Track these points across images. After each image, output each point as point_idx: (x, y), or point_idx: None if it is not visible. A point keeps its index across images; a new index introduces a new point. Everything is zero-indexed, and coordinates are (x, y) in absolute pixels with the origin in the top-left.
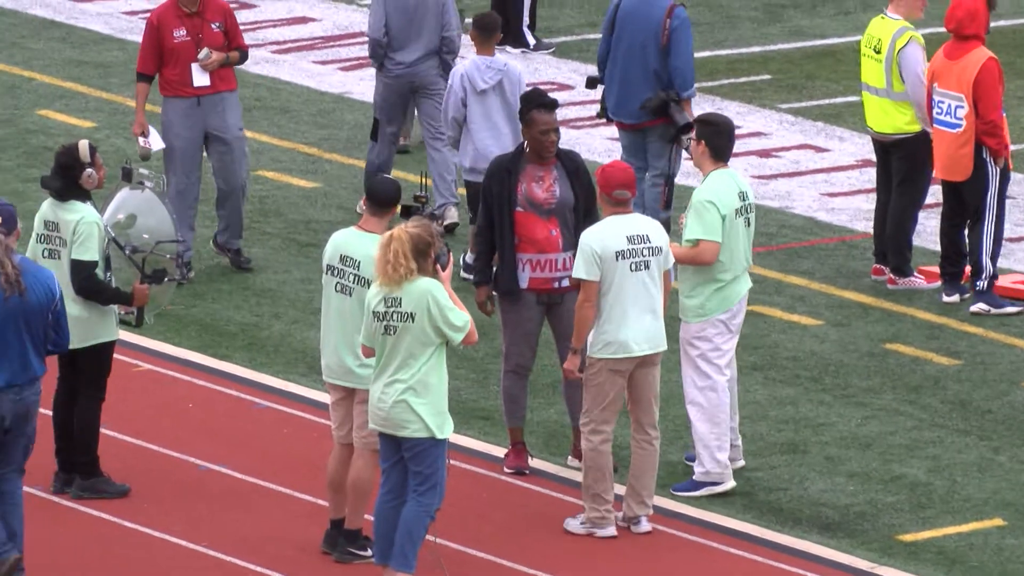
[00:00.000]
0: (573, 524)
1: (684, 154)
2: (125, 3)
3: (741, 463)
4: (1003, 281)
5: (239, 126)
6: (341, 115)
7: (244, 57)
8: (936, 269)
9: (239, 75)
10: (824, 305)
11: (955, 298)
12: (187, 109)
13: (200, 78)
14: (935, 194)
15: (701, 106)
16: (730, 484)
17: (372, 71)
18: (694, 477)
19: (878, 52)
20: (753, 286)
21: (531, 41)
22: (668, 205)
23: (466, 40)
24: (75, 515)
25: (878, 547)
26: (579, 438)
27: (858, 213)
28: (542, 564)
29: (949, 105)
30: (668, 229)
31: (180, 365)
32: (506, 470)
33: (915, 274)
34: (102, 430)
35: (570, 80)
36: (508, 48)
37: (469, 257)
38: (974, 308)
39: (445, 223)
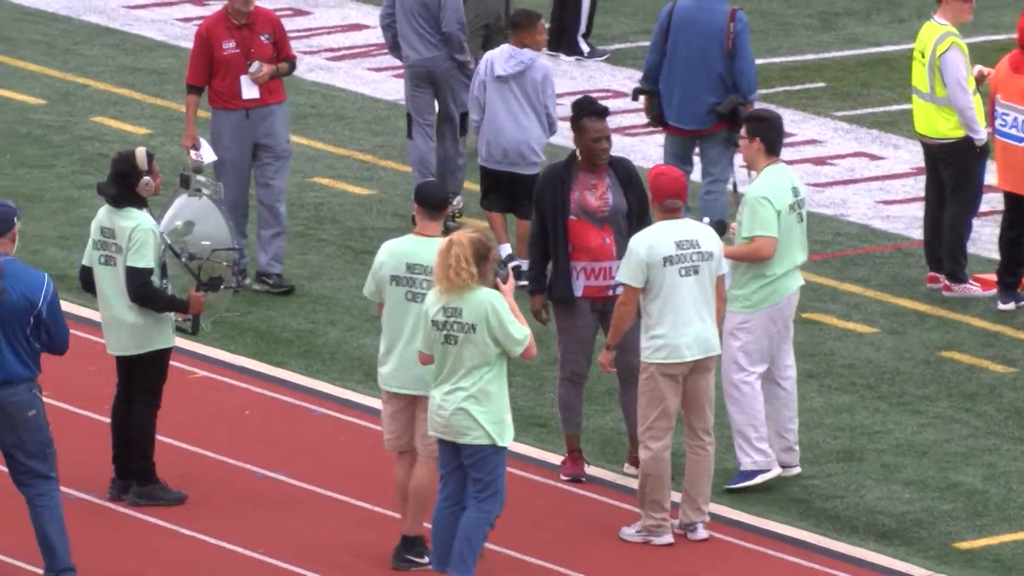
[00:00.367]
0: (629, 532)
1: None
2: (179, 10)
3: (797, 470)
4: None
5: (287, 139)
6: (396, 122)
7: (293, 67)
8: (991, 277)
9: (293, 82)
10: (879, 313)
11: (1011, 306)
12: (236, 121)
13: (249, 90)
14: (989, 201)
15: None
16: (776, 471)
17: None
18: (741, 469)
19: (924, 56)
20: (809, 294)
21: (585, 49)
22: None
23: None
24: (131, 522)
25: (934, 555)
26: (636, 445)
27: (913, 221)
28: (598, 572)
29: (1015, 118)
30: (723, 233)
31: (236, 372)
32: (562, 477)
33: (970, 281)
34: (158, 437)
35: (624, 87)
36: (562, 56)
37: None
38: None
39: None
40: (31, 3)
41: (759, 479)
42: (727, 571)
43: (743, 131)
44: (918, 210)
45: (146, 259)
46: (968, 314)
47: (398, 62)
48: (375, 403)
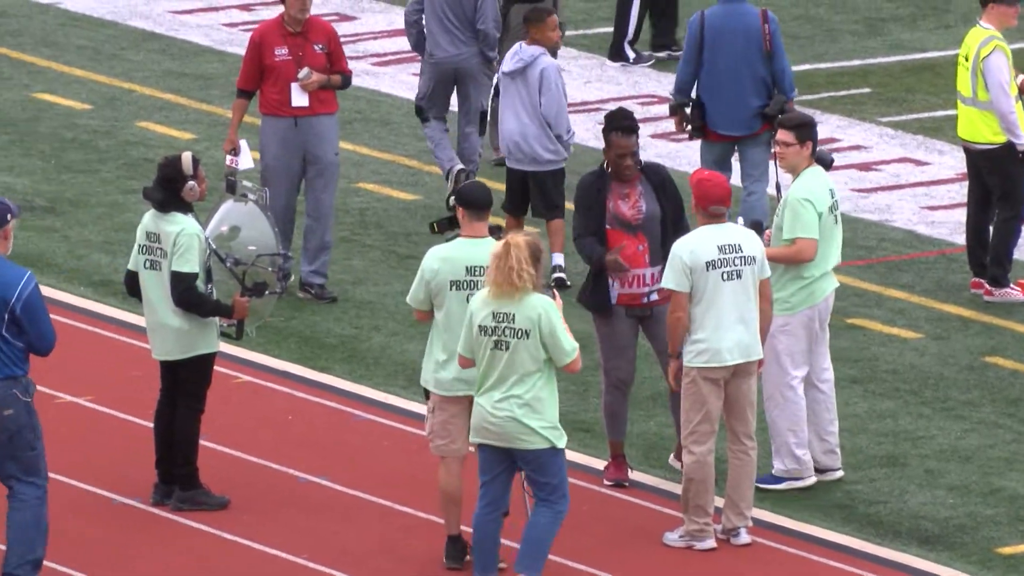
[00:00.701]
0: (672, 537)
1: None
2: (225, 15)
3: (840, 473)
4: None
5: (335, 150)
6: None
7: (347, 83)
8: None
9: None
10: (924, 318)
11: None
12: (284, 129)
13: (299, 98)
14: None
15: None
16: (811, 479)
17: None
18: (773, 472)
19: (968, 60)
20: (853, 299)
21: (630, 55)
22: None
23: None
24: (174, 526)
25: (977, 560)
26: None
27: (958, 226)
28: None
29: None
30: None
31: (279, 377)
32: (606, 482)
33: (1012, 286)
34: (202, 442)
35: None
36: (608, 61)
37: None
38: None
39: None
40: (78, 8)
41: (785, 485)
42: (770, 575)
43: (792, 136)
44: (963, 216)
45: (191, 264)
46: (1012, 320)
47: None
48: (418, 408)
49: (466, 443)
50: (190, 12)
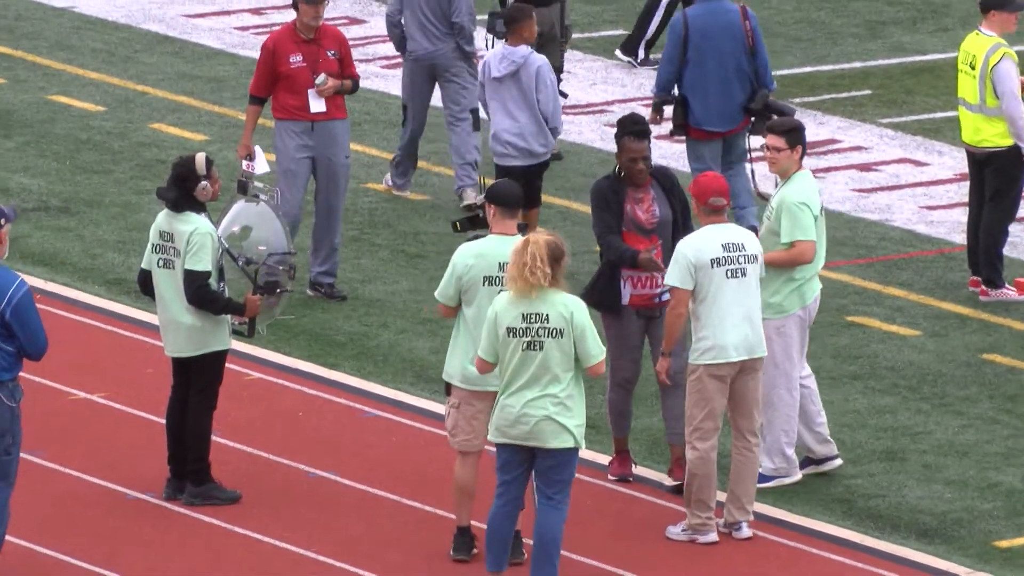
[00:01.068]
0: (675, 532)
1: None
2: (237, 19)
3: (839, 462)
4: None
5: (347, 154)
6: None
7: (356, 86)
8: None
9: None
10: (922, 316)
11: None
12: (300, 134)
13: (317, 104)
14: None
15: (804, 121)
16: (797, 476)
17: None
18: (761, 471)
19: (973, 68)
20: (853, 297)
21: (641, 54)
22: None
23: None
24: (186, 521)
25: (974, 553)
26: (675, 455)
27: (956, 226)
28: (645, 570)
29: None
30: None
31: (290, 374)
32: (610, 477)
33: (1007, 286)
34: (213, 437)
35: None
36: (619, 53)
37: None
38: None
39: (464, 204)
40: (92, 12)
41: (774, 483)
42: (771, 569)
43: (782, 141)
44: (961, 215)
45: (204, 262)
46: (1010, 317)
47: None
48: (426, 405)
49: (485, 439)
50: (202, 16)
